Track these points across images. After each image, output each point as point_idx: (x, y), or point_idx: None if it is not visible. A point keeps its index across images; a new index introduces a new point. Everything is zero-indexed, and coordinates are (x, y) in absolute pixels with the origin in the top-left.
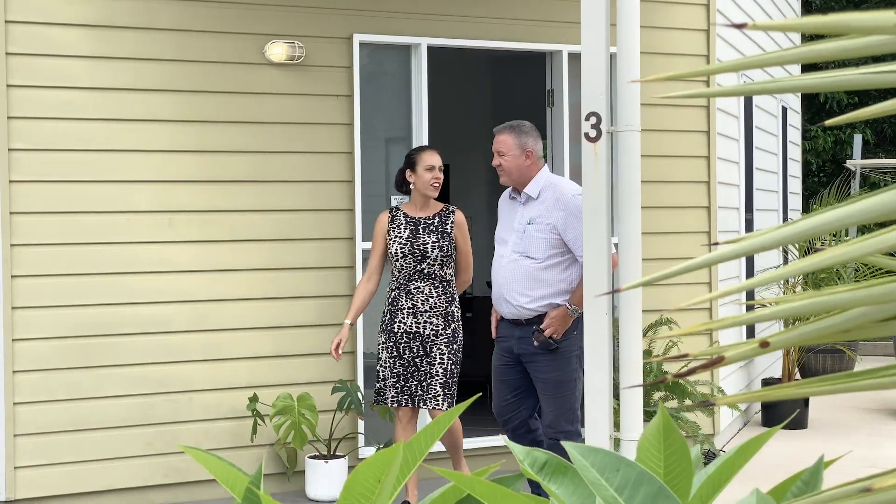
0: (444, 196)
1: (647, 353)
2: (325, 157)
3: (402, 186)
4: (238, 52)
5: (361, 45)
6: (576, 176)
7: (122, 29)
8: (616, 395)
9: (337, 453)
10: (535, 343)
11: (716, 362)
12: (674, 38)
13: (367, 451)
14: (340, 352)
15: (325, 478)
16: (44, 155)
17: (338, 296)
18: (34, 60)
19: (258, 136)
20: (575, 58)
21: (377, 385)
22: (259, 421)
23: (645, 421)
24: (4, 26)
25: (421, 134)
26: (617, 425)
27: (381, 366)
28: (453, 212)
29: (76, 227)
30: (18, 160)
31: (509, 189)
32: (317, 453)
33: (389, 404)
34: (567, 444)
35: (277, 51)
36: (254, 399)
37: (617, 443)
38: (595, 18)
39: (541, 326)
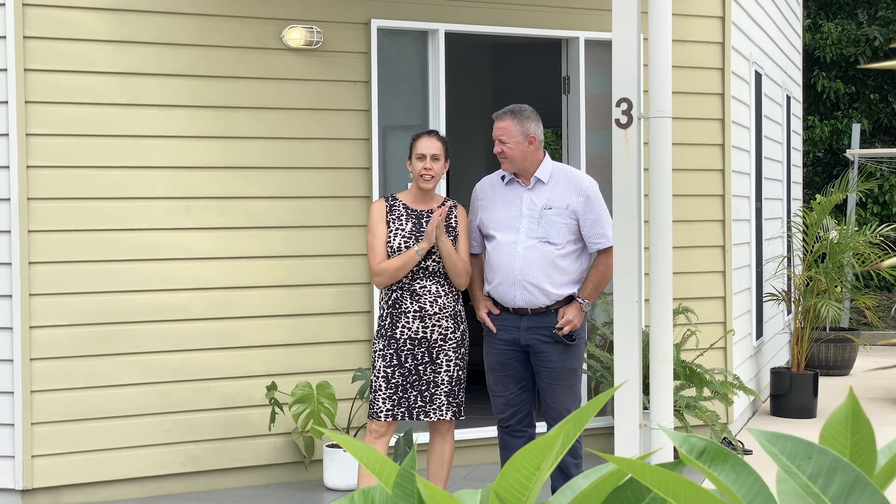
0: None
1: None
2: (343, 143)
3: None
4: (256, 37)
5: (379, 30)
6: (592, 164)
7: (140, 13)
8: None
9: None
10: (553, 340)
11: None
12: (690, 24)
13: None
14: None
15: (342, 466)
16: (61, 140)
17: (355, 283)
18: (52, 44)
19: (275, 122)
20: (592, 45)
21: (370, 397)
22: (277, 409)
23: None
24: (22, 10)
25: (438, 120)
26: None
27: (374, 375)
28: (455, 206)
29: (93, 214)
30: (36, 145)
31: (498, 174)
32: (335, 442)
33: (383, 419)
34: (753, 431)
35: (295, 36)
36: (272, 387)
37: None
38: (626, 4)
39: (557, 325)
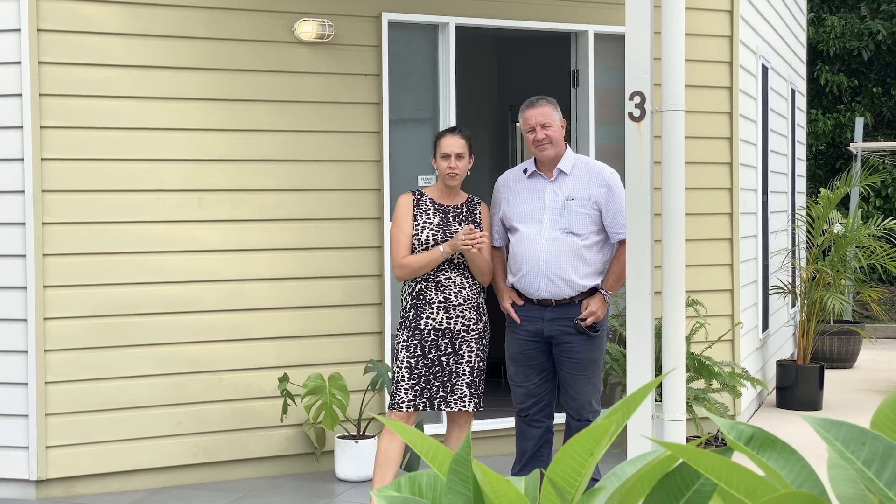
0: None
1: None
2: (354, 136)
3: None
4: (268, 31)
5: (390, 23)
6: (601, 157)
7: (153, 6)
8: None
9: (366, 433)
10: (576, 331)
11: None
12: (698, 18)
13: None
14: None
15: (354, 458)
16: (75, 133)
17: (366, 276)
18: (66, 37)
19: (287, 115)
20: (601, 38)
21: (391, 388)
22: (289, 401)
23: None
24: (37, 3)
25: (448, 114)
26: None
27: (397, 366)
28: (479, 203)
29: (107, 206)
30: (50, 138)
31: (521, 168)
32: (346, 433)
33: (405, 409)
34: (807, 417)
35: (307, 29)
36: (284, 379)
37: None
38: None
39: (581, 316)
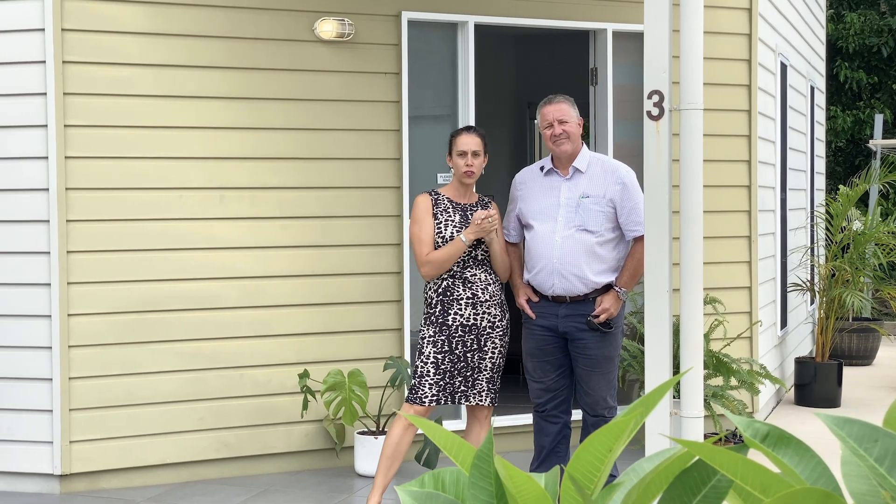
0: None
1: None
2: (373, 134)
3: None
4: (288, 30)
5: (409, 22)
6: (619, 154)
7: (174, 6)
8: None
9: (386, 429)
10: (590, 328)
11: None
12: (716, 16)
13: None
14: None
15: (374, 453)
16: (98, 131)
17: (385, 273)
18: (89, 37)
19: (307, 114)
20: (619, 36)
21: (412, 382)
22: (309, 397)
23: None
24: (61, 3)
25: (467, 112)
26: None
27: (422, 361)
28: (490, 202)
29: (129, 203)
30: (73, 136)
31: (538, 165)
32: (366, 429)
33: (427, 404)
34: (820, 414)
35: (327, 28)
36: (304, 375)
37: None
38: None
39: (594, 313)
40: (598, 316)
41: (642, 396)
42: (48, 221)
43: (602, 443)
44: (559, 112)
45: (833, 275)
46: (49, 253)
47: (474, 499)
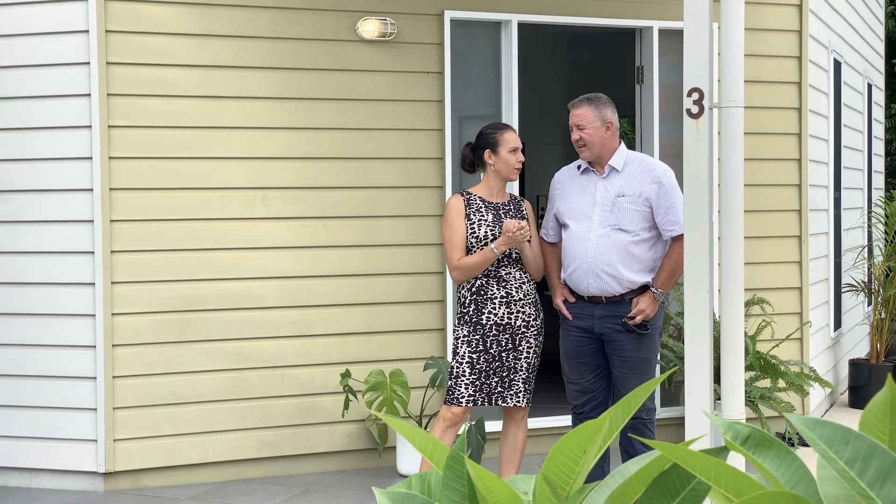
0: (520, 177)
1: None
2: (416, 134)
3: (474, 166)
4: (331, 30)
5: (452, 21)
6: (666, 153)
7: (218, 7)
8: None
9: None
10: (625, 330)
11: None
12: (765, 13)
13: None
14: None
15: (416, 454)
16: (142, 132)
17: (427, 273)
18: (133, 38)
19: (350, 113)
20: (665, 34)
21: (449, 383)
22: (351, 397)
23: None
24: (105, 4)
25: (511, 112)
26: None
27: (457, 361)
28: (522, 200)
29: (173, 204)
30: (117, 137)
31: (575, 164)
32: None
33: (464, 404)
34: (791, 417)
35: (370, 28)
36: (346, 375)
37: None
38: None
39: (630, 314)
40: (633, 317)
41: (621, 399)
42: (92, 221)
43: (576, 444)
44: (576, 117)
45: (888, 275)
46: (93, 253)
47: (447, 499)
